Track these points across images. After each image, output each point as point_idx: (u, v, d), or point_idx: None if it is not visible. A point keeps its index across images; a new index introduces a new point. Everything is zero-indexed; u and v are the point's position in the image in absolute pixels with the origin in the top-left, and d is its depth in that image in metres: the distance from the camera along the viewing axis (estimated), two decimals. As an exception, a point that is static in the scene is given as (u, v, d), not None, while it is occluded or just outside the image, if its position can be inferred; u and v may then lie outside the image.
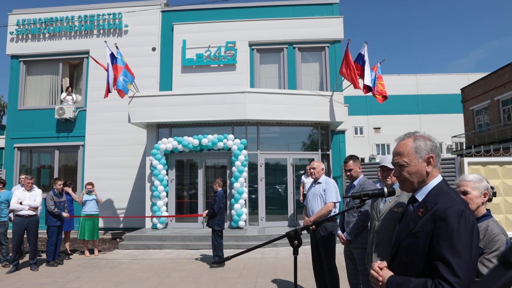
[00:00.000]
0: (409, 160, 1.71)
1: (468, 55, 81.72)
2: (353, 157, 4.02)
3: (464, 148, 23.50)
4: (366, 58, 9.38)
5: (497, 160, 9.05)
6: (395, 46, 79.36)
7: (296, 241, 1.77)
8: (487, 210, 2.21)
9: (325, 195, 4.36)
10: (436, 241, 1.47)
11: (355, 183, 3.93)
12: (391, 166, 3.06)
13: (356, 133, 36.33)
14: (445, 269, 1.40)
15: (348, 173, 4.00)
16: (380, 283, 1.62)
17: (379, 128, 36.13)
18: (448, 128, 33.18)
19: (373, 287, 1.71)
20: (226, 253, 7.59)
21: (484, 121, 21.53)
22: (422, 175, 1.69)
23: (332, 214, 4.42)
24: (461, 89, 24.07)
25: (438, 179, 1.70)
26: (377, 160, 32.92)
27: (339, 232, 3.96)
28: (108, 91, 9.81)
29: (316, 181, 4.58)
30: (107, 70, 9.91)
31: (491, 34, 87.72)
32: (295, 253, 1.80)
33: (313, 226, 4.43)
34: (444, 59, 79.59)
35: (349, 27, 68.17)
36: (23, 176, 7.37)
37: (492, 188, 2.25)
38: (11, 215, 6.96)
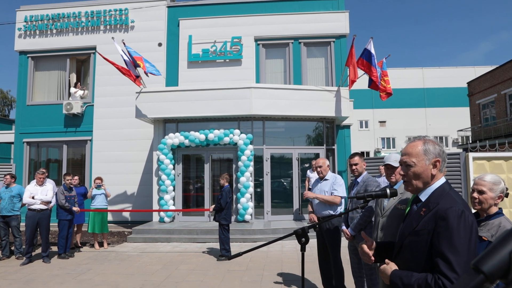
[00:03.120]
0: (417, 161, 1.78)
1: (477, 47, 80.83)
2: (358, 154, 4.12)
3: (470, 142, 23.43)
4: (374, 54, 9.39)
5: (502, 155, 9.09)
6: (401, 40, 78.71)
7: (303, 239, 1.88)
8: (499, 208, 2.31)
9: (332, 189, 4.46)
10: (436, 239, 1.57)
11: (358, 179, 4.02)
12: (395, 165, 3.15)
13: (361, 126, 36.28)
14: (444, 265, 1.50)
15: (354, 167, 4.10)
16: (386, 275, 1.73)
17: (385, 121, 36.05)
18: (454, 122, 33.07)
19: (376, 281, 1.83)
20: (233, 246, 7.74)
21: (491, 115, 21.43)
22: (427, 176, 1.77)
23: (338, 208, 4.53)
24: (467, 83, 23.92)
25: (441, 180, 1.79)
26: (382, 154, 32.87)
27: (344, 227, 4.06)
28: (135, 76, 10.13)
29: (322, 179, 4.66)
30: (123, 59, 10.19)
31: (500, 25, 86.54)
32: (303, 249, 1.91)
33: (315, 216, 4.55)
34: (452, 52, 78.87)
35: (355, 21, 67.65)
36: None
37: (506, 189, 2.34)
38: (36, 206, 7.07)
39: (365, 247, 1.85)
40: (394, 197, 3.15)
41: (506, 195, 2.36)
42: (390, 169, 3.22)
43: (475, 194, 2.33)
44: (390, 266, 1.73)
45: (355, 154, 4.10)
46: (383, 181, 7.66)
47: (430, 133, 35.09)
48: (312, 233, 5.86)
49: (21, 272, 6.25)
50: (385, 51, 70.27)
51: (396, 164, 3.18)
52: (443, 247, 1.53)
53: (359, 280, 4.06)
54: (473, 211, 2.20)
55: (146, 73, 10.29)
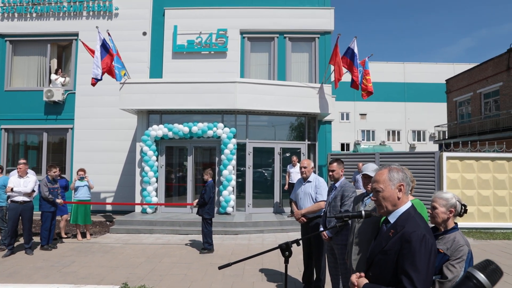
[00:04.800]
0: (384, 187, 2.06)
1: (457, 43, 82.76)
2: (338, 160, 4.33)
3: (447, 137, 24.26)
4: (356, 53, 9.64)
5: (473, 156, 9.55)
6: (383, 32, 79.57)
7: (287, 252, 2.08)
8: (455, 223, 2.57)
9: (316, 194, 4.71)
10: (401, 259, 1.84)
11: (336, 184, 4.26)
12: (372, 174, 3.38)
13: (342, 118, 36.88)
14: (407, 282, 1.78)
15: (330, 173, 4.33)
16: None
17: (365, 114, 36.74)
18: (432, 117, 34.03)
19: (349, 279, 2.08)
20: (214, 238, 7.94)
21: (466, 112, 22.20)
22: (394, 199, 2.04)
23: (322, 210, 4.78)
24: (446, 80, 24.62)
25: (407, 205, 2.05)
26: (362, 146, 33.57)
27: (321, 228, 4.31)
28: (95, 79, 9.86)
29: (305, 180, 4.89)
30: (94, 56, 9.98)
31: (480, 22, 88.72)
32: (286, 262, 2.11)
33: (304, 219, 4.82)
34: (433, 46, 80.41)
35: (338, 12, 67.81)
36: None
37: (464, 206, 2.59)
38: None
39: (353, 278, 2.04)
40: (370, 205, 3.42)
41: (465, 211, 2.61)
42: (367, 178, 3.46)
43: (429, 210, 2.61)
44: (362, 281, 1.97)
45: (335, 160, 4.32)
46: (359, 178, 8.00)
47: (409, 127, 36.06)
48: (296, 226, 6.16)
49: (4, 264, 6.28)
50: (367, 43, 70.93)
51: (373, 174, 3.41)
52: (406, 266, 1.80)
53: (335, 278, 4.33)
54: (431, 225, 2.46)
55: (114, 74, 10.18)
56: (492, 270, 1.18)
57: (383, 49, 73.31)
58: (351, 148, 35.92)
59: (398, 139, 36.33)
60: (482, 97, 20.18)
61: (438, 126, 26.93)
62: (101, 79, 10.01)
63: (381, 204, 2.08)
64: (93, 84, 10.07)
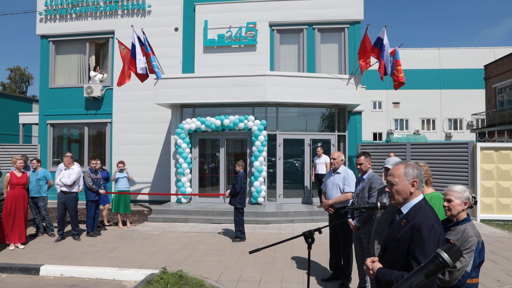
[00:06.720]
0: (399, 181, 2.24)
1: (501, 24, 78.28)
2: (365, 153, 4.47)
3: (485, 125, 23.34)
4: (385, 44, 9.54)
5: (510, 146, 9.28)
6: (417, 19, 76.49)
7: (310, 239, 2.30)
8: (467, 215, 2.69)
9: (344, 185, 4.88)
10: (412, 246, 2.04)
11: (364, 177, 4.41)
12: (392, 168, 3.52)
13: (374, 107, 36.15)
14: (416, 266, 1.94)
15: (358, 167, 4.49)
16: (371, 272, 2.18)
17: (398, 103, 35.82)
18: (470, 104, 32.71)
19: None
20: (246, 228, 8.26)
21: (507, 99, 21.23)
22: (406, 193, 2.23)
23: (350, 201, 4.94)
24: (484, 66, 23.58)
25: (419, 198, 2.23)
26: (395, 136, 32.84)
27: (350, 219, 4.49)
28: (125, 77, 10.31)
29: (335, 171, 5.07)
30: (129, 54, 10.38)
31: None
32: (309, 248, 2.34)
33: (332, 209, 5.01)
34: (473, 29, 76.52)
35: (368, 0, 65.66)
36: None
37: (474, 197, 2.72)
38: (59, 188, 7.73)
39: (368, 262, 2.25)
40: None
41: (475, 203, 2.73)
42: (388, 170, 3.59)
43: (445, 203, 2.72)
44: (376, 265, 2.17)
45: (362, 154, 4.46)
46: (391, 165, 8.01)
47: (444, 115, 34.84)
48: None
49: (56, 248, 6.91)
50: (400, 31, 68.52)
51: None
52: (416, 253, 2.00)
53: (361, 265, 4.50)
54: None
55: (147, 73, 10.53)
56: (454, 251, 1.51)
57: (417, 36, 70.68)
58: (384, 137, 35.23)
59: (433, 128, 35.21)
60: (524, 83, 19.23)
61: (475, 114, 25.89)
62: (147, 74, 10.47)
63: (393, 196, 2.27)
64: (124, 83, 10.55)
